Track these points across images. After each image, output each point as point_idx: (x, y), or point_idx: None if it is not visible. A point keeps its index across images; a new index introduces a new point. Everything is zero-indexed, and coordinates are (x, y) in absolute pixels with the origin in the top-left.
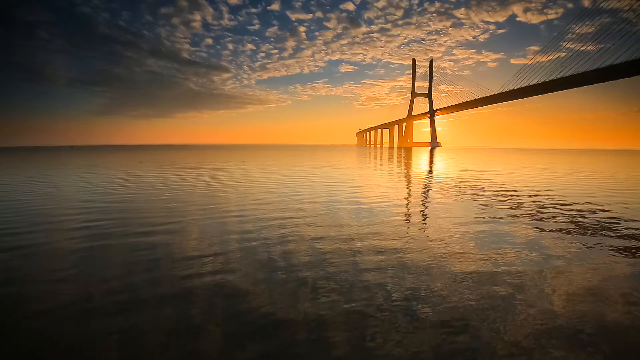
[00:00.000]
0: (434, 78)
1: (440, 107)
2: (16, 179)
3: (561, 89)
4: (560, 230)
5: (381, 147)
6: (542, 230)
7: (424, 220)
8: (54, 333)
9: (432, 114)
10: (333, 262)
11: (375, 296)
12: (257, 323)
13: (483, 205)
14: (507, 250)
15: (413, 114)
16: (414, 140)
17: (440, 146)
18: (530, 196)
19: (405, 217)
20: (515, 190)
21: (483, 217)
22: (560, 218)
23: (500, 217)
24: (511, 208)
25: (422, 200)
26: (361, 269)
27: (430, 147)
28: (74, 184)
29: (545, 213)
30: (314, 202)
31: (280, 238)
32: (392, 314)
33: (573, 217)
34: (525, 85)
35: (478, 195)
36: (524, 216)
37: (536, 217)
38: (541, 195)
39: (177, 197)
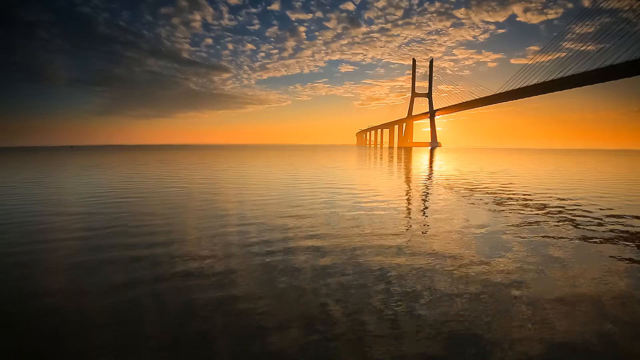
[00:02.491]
0: (434, 78)
1: (440, 107)
2: (13, 179)
3: (561, 89)
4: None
5: (381, 147)
6: (608, 256)
7: (468, 240)
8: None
9: (432, 114)
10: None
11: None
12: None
13: (522, 218)
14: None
15: (413, 114)
16: (414, 140)
17: (440, 146)
18: (568, 207)
19: (438, 231)
20: (545, 196)
21: (534, 236)
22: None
23: (549, 236)
24: (553, 220)
25: (454, 213)
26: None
27: (430, 147)
28: (73, 186)
29: (596, 226)
30: (328, 210)
31: (295, 251)
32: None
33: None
34: (525, 85)
35: (508, 203)
36: (576, 231)
37: (587, 229)
38: (577, 201)
39: (178, 204)
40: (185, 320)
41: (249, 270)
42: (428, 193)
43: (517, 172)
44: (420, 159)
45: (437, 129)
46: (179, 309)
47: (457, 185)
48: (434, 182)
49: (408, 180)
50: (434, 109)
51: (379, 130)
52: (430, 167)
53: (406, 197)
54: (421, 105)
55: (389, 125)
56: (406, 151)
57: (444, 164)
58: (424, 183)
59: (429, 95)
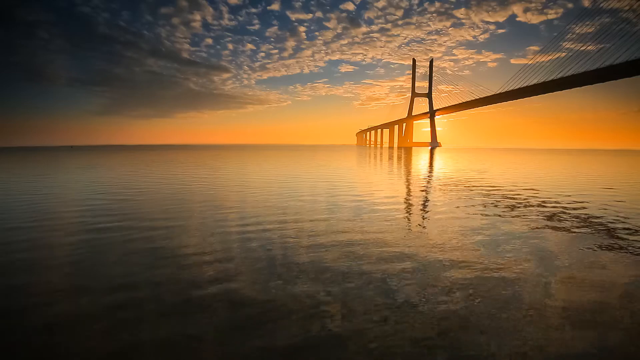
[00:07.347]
0: (434, 78)
1: (440, 107)
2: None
3: (561, 89)
4: None
5: (381, 147)
6: None
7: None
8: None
9: (432, 114)
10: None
11: None
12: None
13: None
14: None
15: (413, 114)
16: (414, 140)
17: (440, 146)
18: None
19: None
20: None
21: None
22: None
23: None
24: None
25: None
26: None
27: (430, 147)
28: (71, 188)
29: None
30: (332, 222)
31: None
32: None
33: None
34: (525, 85)
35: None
36: None
37: None
38: None
39: (179, 212)
40: (186, 322)
41: (254, 278)
42: (482, 210)
43: (545, 174)
44: (423, 159)
45: (437, 129)
46: (180, 310)
47: (516, 201)
48: (483, 195)
49: (441, 189)
50: (434, 109)
51: (379, 130)
52: (454, 171)
53: (456, 214)
54: (421, 105)
55: (389, 125)
56: (406, 151)
57: (460, 165)
58: (461, 191)
59: (429, 95)
